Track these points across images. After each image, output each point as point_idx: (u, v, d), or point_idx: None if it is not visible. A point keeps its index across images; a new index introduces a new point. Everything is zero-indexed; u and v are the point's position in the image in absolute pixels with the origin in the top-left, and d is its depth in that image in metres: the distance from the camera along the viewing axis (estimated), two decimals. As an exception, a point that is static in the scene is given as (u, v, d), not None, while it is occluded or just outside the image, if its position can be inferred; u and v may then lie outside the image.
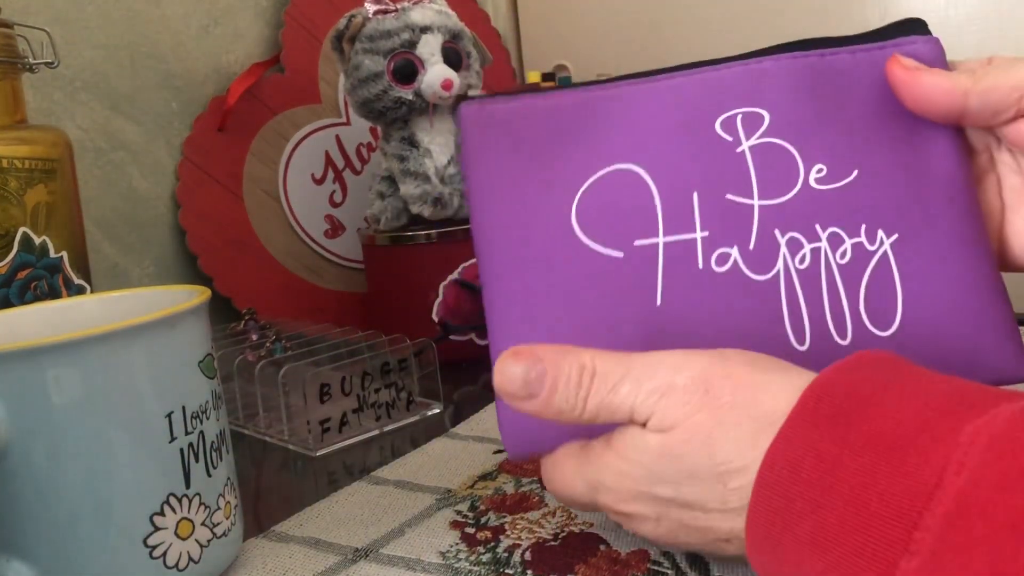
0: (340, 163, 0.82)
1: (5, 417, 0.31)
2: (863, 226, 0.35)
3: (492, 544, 0.38)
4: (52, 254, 0.50)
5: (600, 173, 0.37)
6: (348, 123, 0.83)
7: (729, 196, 0.36)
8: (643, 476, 0.30)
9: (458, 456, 0.49)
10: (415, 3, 0.70)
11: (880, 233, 0.35)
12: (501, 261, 0.37)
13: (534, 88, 0.38)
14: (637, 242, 0.36)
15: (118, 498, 0.33)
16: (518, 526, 0.39)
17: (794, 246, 0.35)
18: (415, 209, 0.69)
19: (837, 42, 0.37)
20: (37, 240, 0.50)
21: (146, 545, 0.33)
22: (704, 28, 0.85)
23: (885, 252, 0.35)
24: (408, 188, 0.70)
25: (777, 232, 0.35)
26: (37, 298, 0.49)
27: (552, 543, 0.37)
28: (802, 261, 0.35)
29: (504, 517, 0.40)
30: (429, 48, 0.68)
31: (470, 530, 0.39)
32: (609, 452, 0.32)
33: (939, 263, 0.35)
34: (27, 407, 0.31)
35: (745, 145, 0.36)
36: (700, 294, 0.35)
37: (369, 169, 0.84)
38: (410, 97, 0.69)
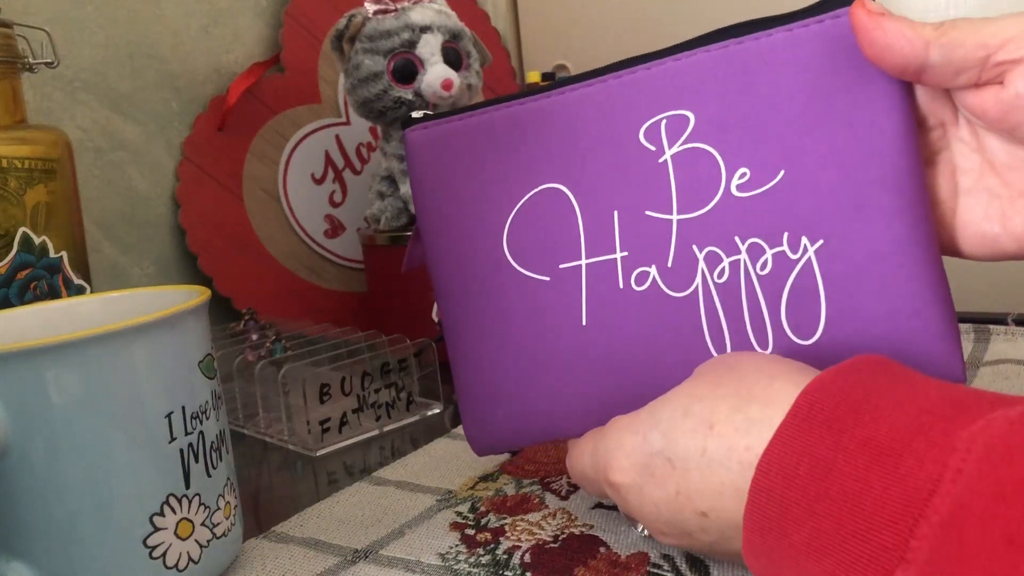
0: (340, 163, 0.82)
1: (5, 417, 0.31)
2: (785, 234, 0.33)
3: (492, 546, 0.38)
4: (52, 254, 0.50)
5: (529, 195, 0.37)
6: (348, 123, 0.83)
7: (648, 212, 0.35)
8: (643, 419, 0.32)
9: (459, 457, 0.48)
10: (415, 3, 0.70)
11: (804, 240, 0.33)
12: (446, 289, 0.39)
13: (484, 103, 0.38)
14: (561, 265, 0.36)
15: (118, 498, 0.33)
16: (518, 528, 0.39)
17: (712, 260, 0.34)
18: (415, 209, 0.69)
19: (765, 23, 0.34)
20: (37, 240, 0.50)
21: (146, 545, 0.33)
22: (704, 28, 0.84)
23: (808, 259, 0.33)
24: (408, 188, 0.69)
25: (695, 247, 0.34)
26: (37, 298, 0.49)
27: (552, 545, 0.37)
28: (720, 275, 0.34)
29: (504, 519, 0.40)
30: (429, 48, 0.68)
31: (470, 531, 0.39)
32: (623, 419, 0.34)
33: (872, 262, 0.32)
34: (27, 407, 0.31)
35: (668, 154, 0.35)
36: (622, 313, 0.35)
37: (369, 169, 0.84)
38: (410, 97, 0.68)
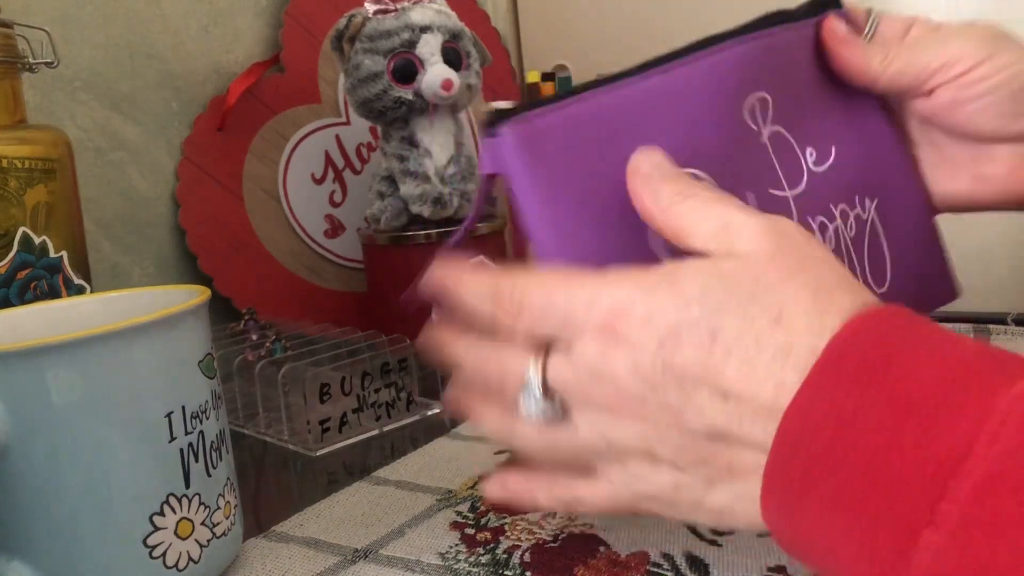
0: (340, 163, 0.82)
1: (5, 417, 0.31)
2: (856, 197, 0.38)
3: (492, 545, 0.38)
4: (52, 254, 0.50)
5: None
6: (348, 123, 0.83)
7: (770, 191, 0.36)
8: (687, 278, 0.27)
9: (459, 456, 0.48)
10: (415, 3, 0.70)
11: (866, 201, 0.38)
12: None
13: (581, 88, 0.35)
14: None
15: (118, 498, 0.33)
16: (518, 527, 0.39)
17: (822, 230, 0.36)
18: (415, 209, 0.69)
19: (788, 16, 0.38)
20: (37, 240, 0.50)
21: (146, 545, 0.33)
22: (705, 28, 0.84)
23: (872, 217, 0.38)
24: (408, 188, 0.69)
25: (809, 219, 0.36)
26: (37, 298, 0.49)
27: (552, 544, 0.37)
28: (830, 242, 0.36)
29: (504, 518, 0.40)
30: (429, 48, 0.68)
31: (470, 531, 0.39)
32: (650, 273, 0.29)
33: (903, 216, 0.39)
34: (27, 407, 0.31)
35: (764, 134, 0.36)
36: None
37: (369, 169, 0.84)
38: (410, 97, 0.68)
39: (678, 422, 0.27)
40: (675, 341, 0.26)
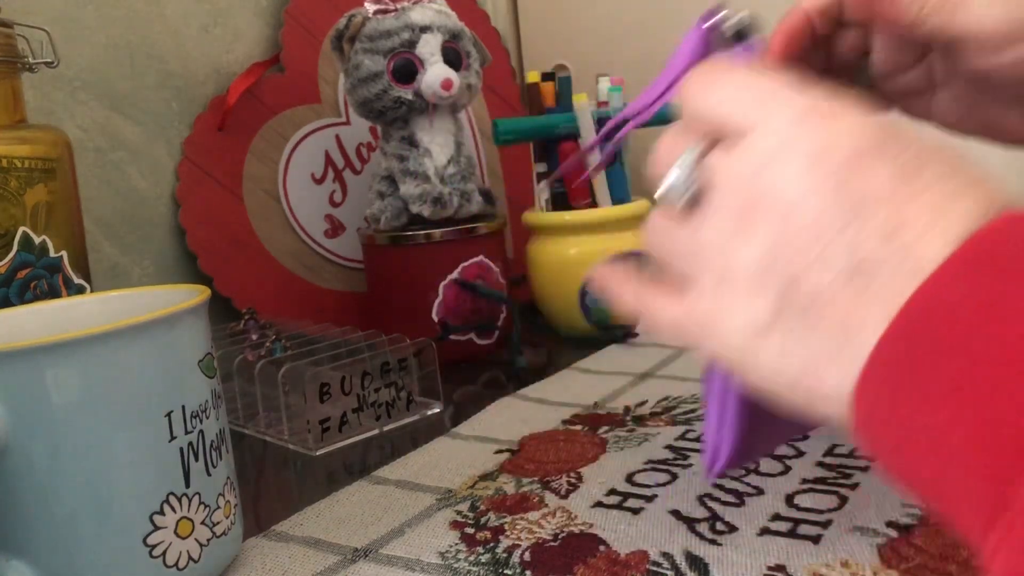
0: (340, 163, 0.82)
1: (5, 416, 0.31)
2: None
3: (491, 544, 0.38)
4: (52, 254, 0.50)
5: None
6: (348, 123, 0.83)
7: None
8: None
9: (458, 456, 0.48)
10: (415, 3, 0.70)
11: None
12: None
13: None
14: None
15: (118, 497, 0.33)
16: (518, 526, 0.39)
17: None
18: (415, 209, 0.69)
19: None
20: (37, 240, 0.50)
21: (146, 544, 0.33)
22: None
23: None
24: (408, 188, 0.70)
25: None
26: (37, 297, 0.49)
27: (551, 544, 0.37)
28: None
29: (504, 517, 0.40)
30: (429, 48, 0.68)
31: (470, 530, 0.39)
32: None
33: None
34: (27, 407, 0.31)
35: None
36: None
37: (369, 169, 0.84)
38: (410, 97, 0.69)
39: (824, 248, 0.24)
40: (876, 155, 0.24)
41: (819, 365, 0.24)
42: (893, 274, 0.22)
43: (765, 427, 0.33)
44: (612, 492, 0.42)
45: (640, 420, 0.51)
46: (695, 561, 0.35)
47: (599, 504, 0.40)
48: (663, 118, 0.73)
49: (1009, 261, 0.21)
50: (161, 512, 0.34)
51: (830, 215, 0.24)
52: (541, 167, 0.75)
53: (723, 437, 0.32)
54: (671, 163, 0.28)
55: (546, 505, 0.41)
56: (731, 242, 0.26)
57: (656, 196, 0.28)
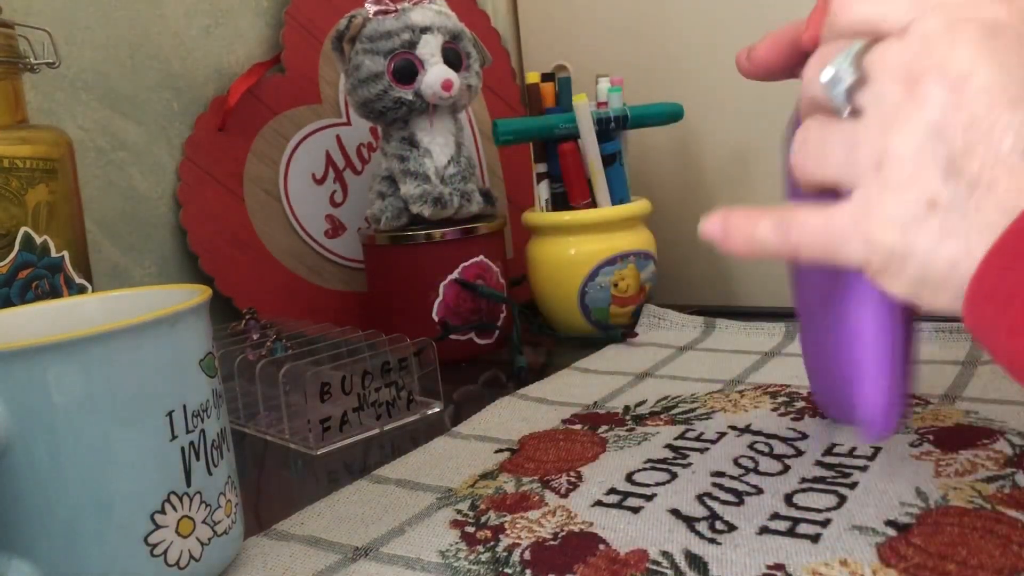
0: (340, 163, 0.83)
1: (6, 416, 0.31)
2: None
3: (492, 543, 0.38)
4: (53, 254, 0.50)
5: None
6: (348, 123, 0.83)
7: None
8: None
9: (458, 455, 0.49)
10: (415, 3, 0.70)
11: None
12: None
13: None
14: None
15: (119, 496, 0.33)
16: (518, 525, 0.39)
17: None
18: (415, 209, 0.69)
19: None
20: (38, 240, 0.50)
21: (147, 543, 0.33)
22: (705, 28, 0.85)
23: None
24: (408, 188, 0.70)
25: None
26: (38, 297, 0.49)
27: (551, 543, 0.37)
28: None
29: (504, 516, 0.40)
30: (429, 48, 0.68)
31: (470, 529, 0.39)
32: None
33: None
34: (28, 406, 0.32)
35: None
36: None
37: (369, 169, 0.84)
38: (410, 97, 0.69)
39: (995, 123, 0.22)
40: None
41: (981, 251, 0.22)
42: None
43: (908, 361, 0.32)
44: (612, 491, 0.42)
45: (639, 419, 0.51)
46: (694, 560, 0.35)
47: (599, 503, 0.40)
48: (664, 115, 0.72)
49: None
50: (162, 511, 0.34)
51: (1000, 88, 0.22)
52: (541, 167, 0.76)
53: (889, 378, 0.31)
54: (828, 62, 0.27)
55: (546, 504, 0.41)
56: (894, 121, 0.25)
57: (819, 87, 0.27)
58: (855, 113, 0.26)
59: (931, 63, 0.24)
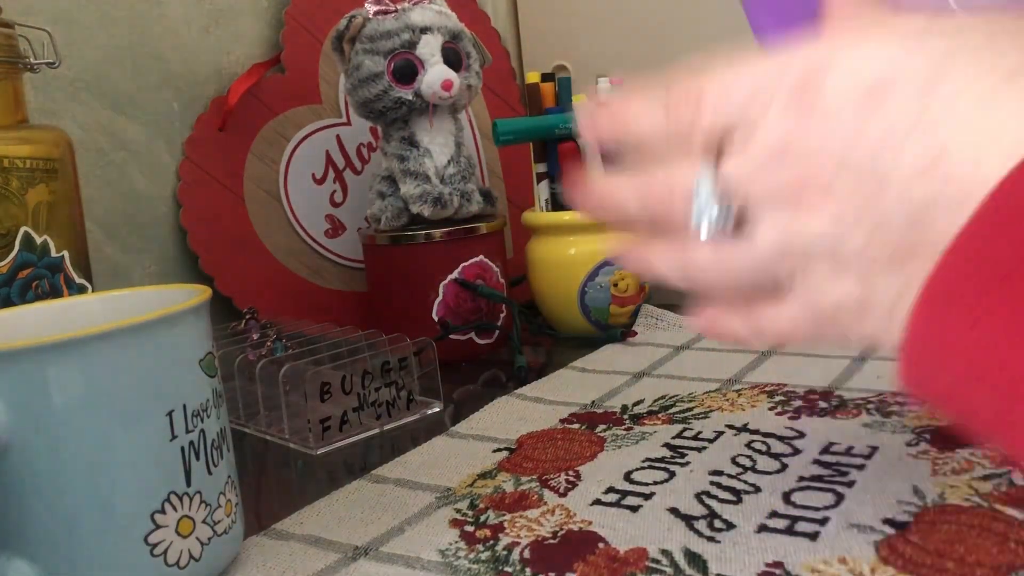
0: (340, 163, 0.83)
1: (6, 416, 0.31)
2: None
3: (491, 542, 0.38)
4: (53, 253, 0.51)
5: None
6: (348, 123, 0.83)
7: None
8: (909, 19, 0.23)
9: (458, 455, 0.49)
10: (415, 3, 0.70)
11: None
12: None
13: None
14: None
15: (119, 496, 0.33)
16: (517, 524, 0.39)
17: None
18: (415, 209, 0.69)
19: None
20: (38, 239, 0.50)
21: (147, 543, 0.34)
22: (705, 28, 0.85)
23: None
24: (408, 188, 0.70)
25: None
26: (38, 297, 0.50)
27: (551, 541, 0.37)
28: None
29: (503, 515, 0.40)
30: (429, 48, 0.68)
31: (469, 528, 0.39)
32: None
33: None
34: (28, 406, 0.32)
35: None
36: None
37: (369, 169, 0.84)
38: (410, 97, 0.69)
39: (875, 202, 0.22)
40: (883, 91, 0.22)
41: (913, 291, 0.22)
42: (964, 195, 0.20)
43: None
44: (610, 490, 0.42)
45: (637, 419, 0.51)
46: (694, 558, 0.35)
47: (597, 502, 0.41)
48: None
49: None
50: (162, 511, 0.34)
51: (868, 164, 0.22)
52: (541, 167, 0.76)
53: None
54: (685, 196, 0.26)
55: (545, 503, 0.41)
56: (792, 228, 0.24)
57: (701, 237, 0.26)
58: (746, 224, 0.26)
59: (798, 156, 0.24)
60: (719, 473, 0.42)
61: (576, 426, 0.51)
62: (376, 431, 0.55)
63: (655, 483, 0.42)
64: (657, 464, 0.44)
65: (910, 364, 0.22)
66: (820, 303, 0.25)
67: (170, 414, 0.34)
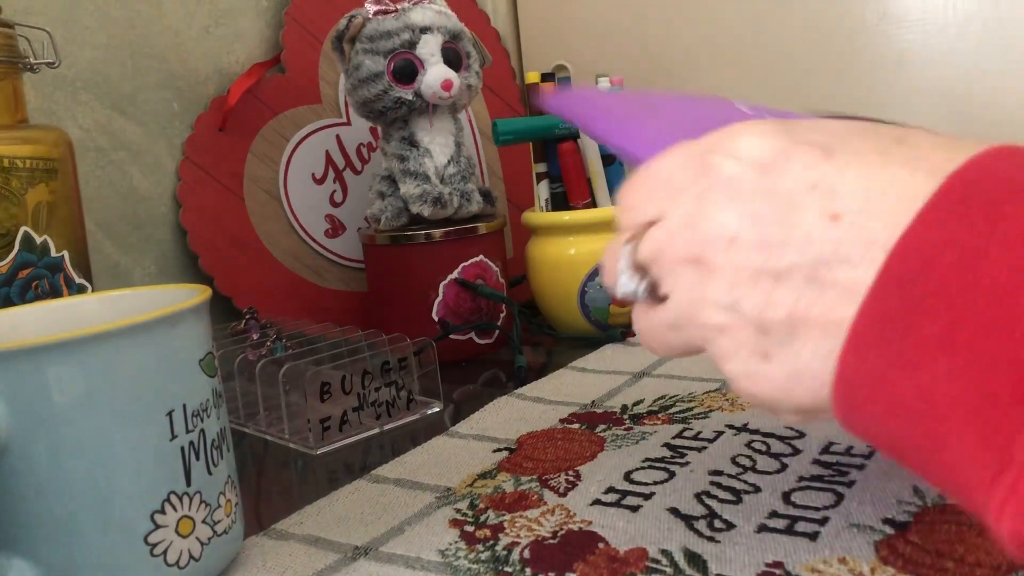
0: (340, 163, 0.83)
1: (6, 415, 0.31)
2: None
3: (491, 542, 0.38)
4: (53, 253, 0.50)
5: None
6: (348, 123, 0.83)
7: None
8: (793, 125, 0.26)
9: (458, 454, 0.49)
10: (415, 3, 0.70)
11: None
12: None
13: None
14: None
15: (119, 496, 0.33)
16: (517, 524, 0.39)
17: None
18: (415, 209, 0.69)
19: None
20: (38, 239, 0.50)
21: (147, 543, 0.34)
22: (704, 28, 0.85)
23: None
24: (408, 188, 0.70)
25: None
26: (38, 297, 0.50)
27: (551, 541, 0.37)
28: None
29: (503, 515, 0.40)
30: (429, 48, 0.68)
31: (469, 528, 0.39)
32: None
33: None
34: (28, 406, 0.32)
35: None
36: None
37: (369, 169, 0.84)
38: (410, 97, 0.69)
39: (775, 263, 0.24)
40: (783, 159, 0.24)
41: (809, 364, 0.24)
42: (860, 251, 0.22)
43: None
44: (610, 490, 0.42)
45: (637, 418, 0.51)
46: (693, 558, 0.35)
47: (597, 502, 0.41)
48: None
49: (981, 201, 0.20)
50: (162, 511, 0.34)
51: (770, 227, 0.24)
52: (541, 167, 0.76)
53: None
54: (611, 269, 0.30)
55: (545, 503, 0.41)
56: (697, 293, 0.27)
57: (622, 301, 0.31)
58: (661, 292, 0.29)
59: (698, 233, 0.26)
60: (719, 473, 0.42)
61: (576, 426, 0.51)
62: (376, 431, 0.55)
63: (655, 483, 0.42)
64: (657, 464, 0.44)
65: (840, 404, 0.23)
66: (741, 369, 0.26)
67: (170, 414, 0.34)
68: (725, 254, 0.25)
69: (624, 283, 0.30)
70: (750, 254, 0.24)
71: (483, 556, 0.37)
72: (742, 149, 0.25)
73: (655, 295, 0.29)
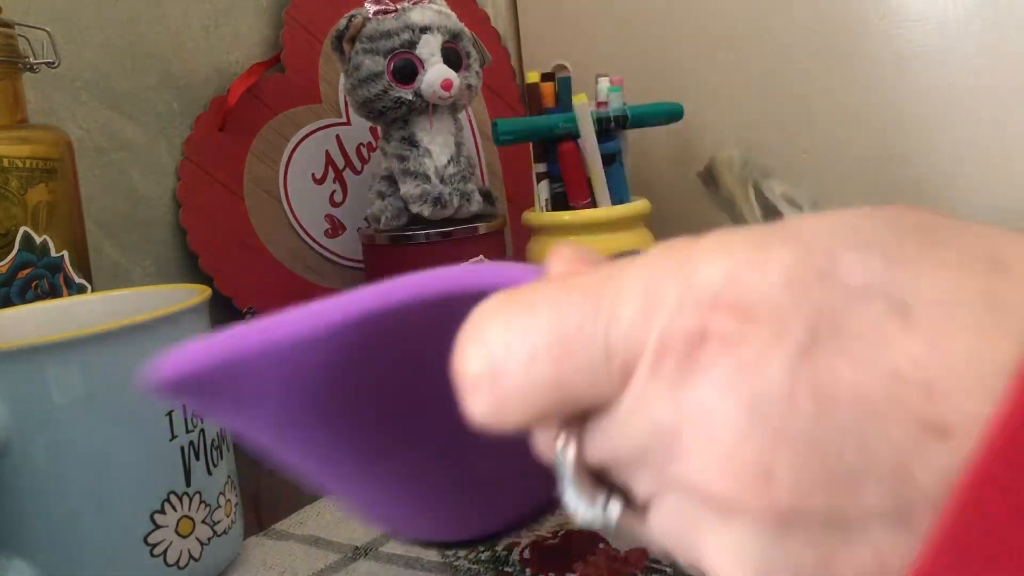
0: (340, 163, 0.83)
1: (6, 415, 0.31)
2: None
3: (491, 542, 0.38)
4: (53, 253, 0.50)
5: None
6: (348, 123, 0.83)
7: None
8: (798, 230, 0.14)
9: (458, 455, 0.49)
10: (415, 3, 0.70)
11: None
12: None
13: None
14: None
15: (119, 496, 0.33)
16: (517, 524, 0.39)
17: None
18: (415, 209, 0.69)
19: None
20: (38, 239, 0.50)
21: (147, 543, 0.34)
22: (705, 28, 0.85)
23: None
24: (408, 188, 0.70)
25: None
26: (38, 297, 0.50)
27: (551, 541, 0.37)
28: None
29: (503, 515, 0.40)
30: (429, 48, 0.68)
31: (469, 528, 0.39)
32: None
33: None
34: (28, 405, 0.32)
35: None
36: None
37: (369, 169, 0.84)
38: (410, 97, 0.69)
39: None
40: (822, 327, 0.13)
41: None
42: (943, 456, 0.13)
43: None
44: (611, 490, 0.42)
45: (639, 419, 0.51)
46: (693, 559, 0.35)
47: (598, 502, 0.40)
48: (664, 115, 0.71)
49: None
50: (162, 511, 0.34)
51: (811, 429, 0.13)
52: (541, 167, 0.76)
53: None
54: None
55: (545, 503, 0.41)
56: (688, 509, 0.16)
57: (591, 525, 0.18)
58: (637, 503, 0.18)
59: (673, 427, 0.13)
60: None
61: (576, 426, 0.51)
62: (376, 431, 0.55)
63: (655, 483, 0.42)
64: (657, 464, 0.44)
65: None
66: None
67: (170, 414, 0.34)
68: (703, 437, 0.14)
69: (582, 510, 0.18)
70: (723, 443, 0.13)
71: (483, 556, 0.36)
72: (736, 311, 0.15)
73: (631, 505, 0.18)
